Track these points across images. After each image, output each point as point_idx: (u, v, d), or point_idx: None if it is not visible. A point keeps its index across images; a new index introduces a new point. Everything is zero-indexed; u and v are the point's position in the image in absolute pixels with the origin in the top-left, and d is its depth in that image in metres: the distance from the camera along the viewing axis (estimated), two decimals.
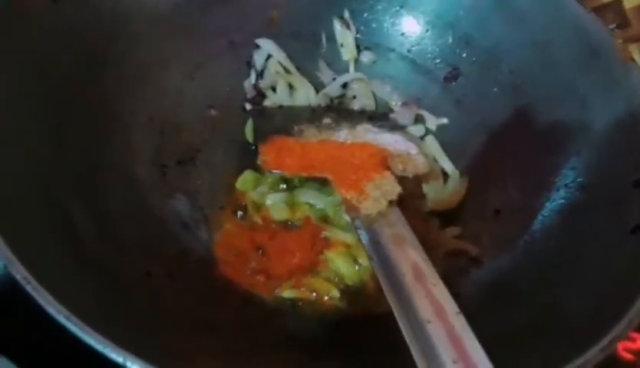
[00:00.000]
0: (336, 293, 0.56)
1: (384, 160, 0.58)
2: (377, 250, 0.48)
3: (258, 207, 0.61)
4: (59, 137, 0.53)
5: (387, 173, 0.56)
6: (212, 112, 0.69)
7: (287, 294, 0.56)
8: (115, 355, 0.35)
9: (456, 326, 0.39)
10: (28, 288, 0.36)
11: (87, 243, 0.49)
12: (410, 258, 0.46)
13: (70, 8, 0.57)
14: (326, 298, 0.56)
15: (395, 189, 0.55)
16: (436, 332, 0.39)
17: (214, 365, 0.45)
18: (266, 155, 0.62)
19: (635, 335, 0.62)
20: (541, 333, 0.45)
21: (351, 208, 0.55)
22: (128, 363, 0.34)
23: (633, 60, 0.56)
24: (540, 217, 0.57)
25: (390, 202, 0.54)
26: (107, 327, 0.37)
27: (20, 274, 0.37)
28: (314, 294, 0.56)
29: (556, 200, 0.56)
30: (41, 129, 0.52)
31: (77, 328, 0.35)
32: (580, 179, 0.56)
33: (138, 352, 0.36)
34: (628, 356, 0.61)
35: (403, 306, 0.41)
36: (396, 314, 0.41)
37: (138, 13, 0.63)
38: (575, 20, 0.61)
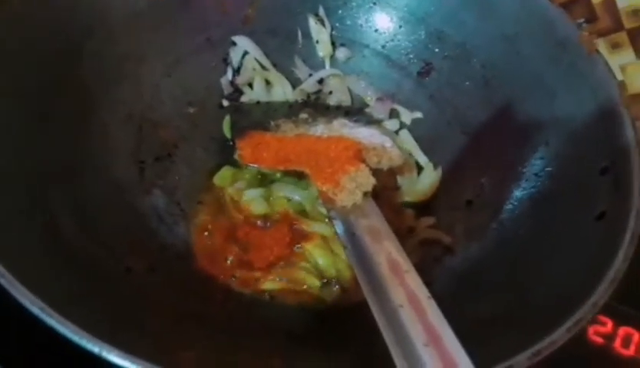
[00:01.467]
0: (316, 282, 0.57)
1: (358, 153, 0.59)
2: (352, 240, 0.49)
3: (236, 202, 0.61)
4: (36, 133, 0.53)
5: (362, 166, 0.57)
6: (190, 108, 0.69)
7: (267, 286, 0.57)
8: (91, 345, 0.35)
9: (427, 311, 0.40)
10: (2, 281, 0.37)
11: (66, 238, 0.50)
12: (385, 248, 0.47)
13: (45, 2, 0.57)
14: (304, 287, 0.57)
15: (370, 181, 0.56)
16: (407, 316, 0.40)
17: (196, 355, 0.46)
18: (243, 149, 0.63)
19: (605, 319, 0.64)
20: (511, 318, 0.46)
21: (327, 200, 0.56)
22: (104, 353, 0.35)
23: (598, 52, 0.58)
24: (510, 206, 0.58)
25: (365, 194, 0.55)
26: (85, 320, 0.38)
27: None
28: (293, 284, 0.56)
29: (526, 189, 0.58)
30: (17, 125, 0.52)
31: (52, 319, 0.35)
32: (548, 169, 0.57)
33: (116, 343, 0.36)
34: (599, 340, 0.63)
35: (376, 293, 0.42)
36: (369, 301, 0.42)
37: (114, 9, 0.64)
38: (543, 13, 0.62)
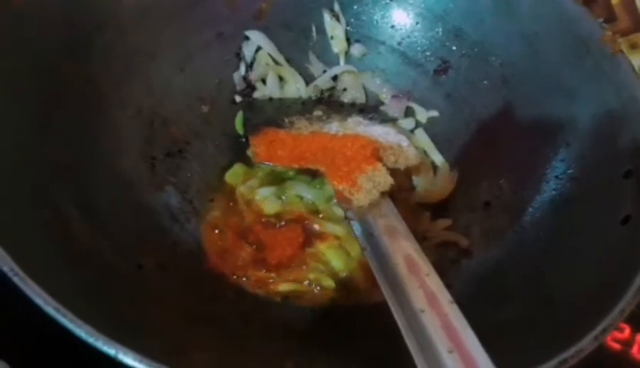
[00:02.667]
0: (331, 283, 0.55)
1: (375, 152, 0.57)
2: (370, 241, 0.48)
3: (249, 201, 0.60)
4: (46, 129, 0.52)
5: (379, 165, 0.56)
6: (202, 104, 0.68)
7: (281, 287, 0.56)
8: (107, 347, 0.34)
9: (450, 316, 0.39)
10: (16, 280, 0.36)
11: (77, 236, 0.49)
12: (403, 249, 0.46)
13: None
14: (317, 289, 0.56)
15: (387, 181, 0.55)
16: (430, 321, 0.39)
17: (208, 356, 0.45)
18: (257, 147, 0.62)
19: (622, 325, 0.62)
20: (533, 324, 0.45)
21: (344, 200, 0.54)
22: (120, 355, 0.34)
23: (622, 52, 0.57)
24: (530, 209, 0.57)
25: (383, 194, 0.54)
26: (98, 320, 0.37)
27: (7, 265, 0.37)
28: (307, 285, 0.55)
29: (546, 192, 0.57)
30: (27, 121, 0.51)
31: (67, 320, 0.34)
32: (570, 171, 0.56)
33: (130, 344, 0.35)
34: (616, 346, 0.61)
35: (396, 296, 0.41)
36: (390, 304, 0.40)
37: (125, 3, 0.62)
38: (564, 12, 0.61)
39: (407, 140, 0.63)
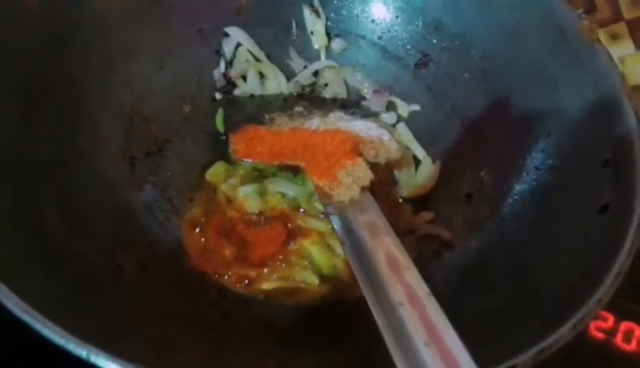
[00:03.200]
0: (314, 279, 0.55)
1: (355, 146, 0.57)
2: (350, 236, 0.48)
3: (230, 199, 0.60)
4: (24, 127, 0.52)
5: (359, 160, 0.56)
6: (182, 102, 0.68)
7: (265, 285, 0.56)
8: (79, 350, 0.34)
9: (427, 308, 0.38)
10: None
11: (53, 236, 0.48)
12: (383, 244, 0.46)
13: None
14: (302, 286, 0.56)
15: (367, 176, 0.55)
16: (407, 315, 0.38)
17: (189, 356, 0.44)
18: (237, 144, 0.61)
19: (606, 314, 0.63)
20: (514, 314, 0.45)
21: (324, 196, 0.54)
22: (92, 357, 0.33)
23: (599, 41, 0.57)
24: (510, 199, 0.57)
25: (363, 189, 0.54)
26: (74, 322, 0.36)
27: None
28: (291, 282, 0.55)
29: (527, 182, 0.57)
30: (5, 120, 0.50)
31: (37, 322, 0.33)
32: (550, 161, 0.56)
33: (105, 346, 0.35)
34: (599, 335, 0.62)
35: (375, 290, 0.41)
36: (367, 299, 0.40)
37: (103, 1, 0.62)
38: (543, 2, 0.61)
39: (388, 134, 0.63)
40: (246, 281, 0.56)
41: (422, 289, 0.40)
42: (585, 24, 0.58)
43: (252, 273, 0.56)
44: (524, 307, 0.46)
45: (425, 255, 0.57)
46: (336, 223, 0.50)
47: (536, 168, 0.56)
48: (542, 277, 0.47)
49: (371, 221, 0.50)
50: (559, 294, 0.44)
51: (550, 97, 0.59)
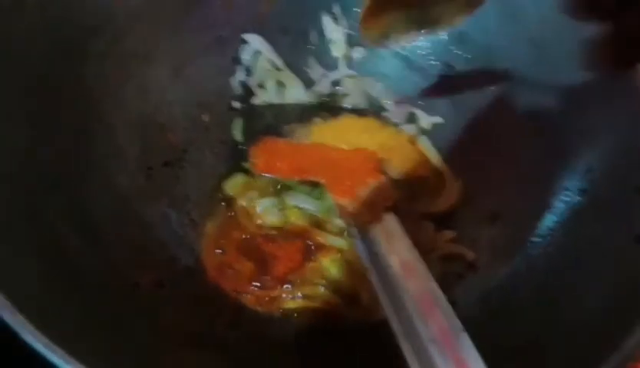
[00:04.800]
0: (336, 298, 0.54)
1: (378, 164, 0.56)
2: (374, 260, 0.46)
3: (249, 213, 0.58)
4: (37, 139, 0.50)
5: (383, 178, 0.54)
6: (199, 110, 0.66)
7: (288, 305, 0.54)
8: None
9: (460, 347, 0.37)
10: None
11: (66, 252, 0.47)
12: (410, 270, 0.44)
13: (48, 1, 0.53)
14: (322, 305, 0.54)
15: (391, 195, 0.53)
16: (438, 352, 0.37)
17: None
18: (256, 158, 0.60)
19: None
20: (544, 349, 0.43)
21: (346, 215, 0.53)
22: None
23: None
24: (538, 221, 0.55)
25: (387, 209, 0.52)
26: (87, 348, 0.35)
27: None
28: (313, 303, 0.54)
29: (555, 204, 0.55)
30: (17, 130, 0.49)
31: (56, 356, 0.32)
32: (580, 183, 0.54)
33: None
34: None
35: (402, 323, 0.40)
36: (396, 333, 0.39)
37: (120, 7, 0.60)
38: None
39: None
40: (265, 299, 0.55)
41: (455, 326, 0.38)
42: None
43: (273, 291, 0.55)
44: (552, 344, 0.44)
45: (448, 277, 0.56)
46: (359, 246, 0.49)
47: (567, 190, 0.54)
48: (572, 310, 0.45)
49: (396, 243, 0.49)
50: (590, 331, 0.42)
51: (581, 117, 0.57)
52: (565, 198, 0.55)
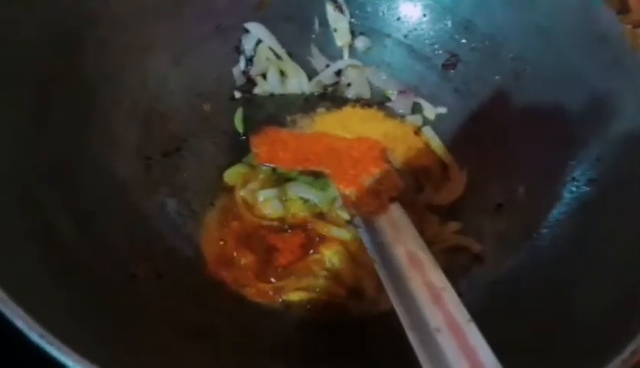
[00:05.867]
0: (342, 291, 0.53)
1: (383, 153, 0.54)
2: (380, 250, 0.45)
3: (250, 204, 0.57)
4: (35, 129, 0.50)
5: (388, 167, 0.53)
6: (200, 100, 0.65)
7: (291, 297, 0.53)
8: None
9: (468, 336, 0.36)
10: None
11: (64, 244, 0.46)
12: (415, 260, 0.43)
13: None
14: (325, 296, 0.53)
15: (397, 184, 0.52)
16: (446, 341, 0.36)
17: None
18: (258, 148, 0.59)
19: None
20: (553, 342, 0.42)
21: (351, 205, 0.52)
22: None
23: None
24: (546, 212, 0.54)
25: (392, 198, 0.51)
26: (85, 339, 0.34)
27: None
28: (316, 295, 0.53)
29: (563, 195, 0.54)
30: (15, 120, 0.48)
31: (53, 347, 0.31)
32: (588, 173, 0.53)
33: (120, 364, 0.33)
34: None
35: (409, 313, 0.39)
36: (403, 323, 0.38)
37: None
38: (581, 4, 0.58)
39: None
40: (266, 292, 0.53)
41: (462, 315, 0.37)
42: (628, 28, 0.55)
43: (275, 283, 0.54)
44: (560, 336, 0.43)
45: (454, 269, 0.54)
46: (364, 236, 0.48)
47: (574, 179, 0.53)
48: (581, 302, 0.44)
49: (401, 233, 0.48)
50: (600, 323, 0.41)
51: (588, 105, 0.56)
52: (573, 189, 0.53)
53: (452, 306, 0.38)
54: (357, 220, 0.50)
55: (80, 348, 0.33)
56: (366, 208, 0.51)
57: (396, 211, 0.50)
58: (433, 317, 0.38)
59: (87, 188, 0.52)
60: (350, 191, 0.52)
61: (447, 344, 0.36)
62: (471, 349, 0.35)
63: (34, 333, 0.32)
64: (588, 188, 0.52)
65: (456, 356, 0.35)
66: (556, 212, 0.53)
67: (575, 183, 0.54)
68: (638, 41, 0.54)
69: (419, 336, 0.36)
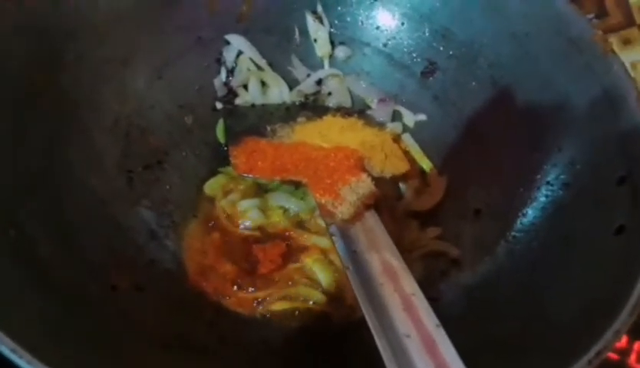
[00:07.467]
0: (322, 297, 0.53)
1: (359, 162, 0.55)
2: (353, 258, 0.46)
3: (230, 215, 0.58)
4: (13, 143, 0.50)
5: (364, 175, 0.54)
6: (181, 111, 0.66)
7: (274, 307, 0.54)
8: None
9: (436, 342, 0.37)
10: None
11: (41, 254, 0.46)
12: (388, 267, 0.44)
13: (24, 4, 0.52)
14: (310, 304, 0.54)
15: (372, 192, 0.53)
16: (414, 347, 0.37)
17: None
18: (237, 158, 0.59)
19: None
20: (525, 342, 0.43)
21: (327, 213, 0.52)
22: None
23: (613, 52, 0.54)
24: (522, 216, 0.55)
25: (367, 206, 0.52)
26: (64, 357, 0.35)
27: None
28: (297, 303, 0.53)
29: (538, 199, 0.55)
30: None
31: (23, 361, 0.32)
32: (562, 177, 0.54)
33: None
34: (613, 356, 0.60)
35: (380, 319, 0.39)
36: (372, 329, 0.38)
37: (98, 8, 0.59)
38: (555, 11, 0.58)
39: None
40: (247, 302, 0.54)
41: (431, 320, 0.38)
42: (599, 33, 0.56)
43: (256, 293, 0.54)
44: (535, 336, 0.43)
45: (432, 274, 0.55)
46: (339, 244, 0.48)
47: (548, 183, 0.54)
48: (554, 303, 0.45)
49: (375, 241, 0.48)
50: (571, 324, 0.42)
51: (561, 109, 0.56)
52: (548, 193, 0.54)
53: (422, 312, 0.39)
54: (333, 229, 0.50)
55: (52, 362, 0.33)
56: (341, 216, 0.51)
57: (370, 219, 0.51)
58: (403, 323, 0.38)
59: (65, 202, 0.52)
60: (326, 199, 0.52)
61: (415, 349, 0.36)
62: (440, 356, 0.36)
63: (5, 347, 0.32)
64: (562, 192, 0.53)
65: (424, 361, 0.36)
66: (531, 216, 0.54)
67: (550, 187, 0.54)
68: (608, 47, 0.55)
69: (388, 341, 0.37)
